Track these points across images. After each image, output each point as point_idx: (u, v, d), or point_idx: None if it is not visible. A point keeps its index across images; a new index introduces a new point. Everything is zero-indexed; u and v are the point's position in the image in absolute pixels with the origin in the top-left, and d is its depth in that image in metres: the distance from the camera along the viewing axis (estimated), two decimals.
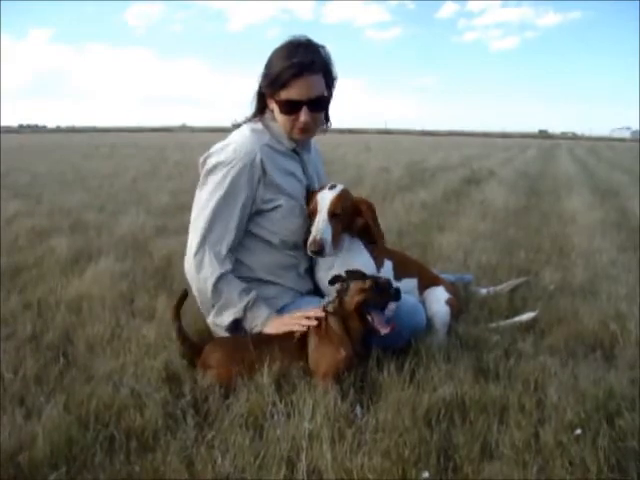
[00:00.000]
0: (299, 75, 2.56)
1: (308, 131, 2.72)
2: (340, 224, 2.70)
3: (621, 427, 2.06)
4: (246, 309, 2.58)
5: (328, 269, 2.78)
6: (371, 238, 2.82)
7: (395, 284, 2.53)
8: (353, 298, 2.43)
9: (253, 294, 2.61)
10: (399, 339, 2.64)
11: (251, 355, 2.40)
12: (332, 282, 2.53)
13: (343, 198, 2.71)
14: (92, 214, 6.65)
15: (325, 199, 2.68)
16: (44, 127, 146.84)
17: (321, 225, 2.64)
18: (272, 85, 2.63)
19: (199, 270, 2.58)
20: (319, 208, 2.67)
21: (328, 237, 2.63)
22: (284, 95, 2.61)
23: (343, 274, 2.50)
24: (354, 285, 2.45)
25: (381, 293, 2.44)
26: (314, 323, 2.46)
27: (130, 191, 9.14)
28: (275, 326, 2.54)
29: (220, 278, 2.57)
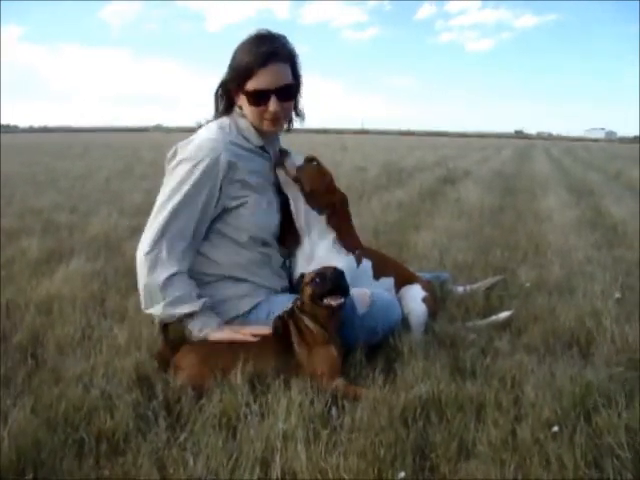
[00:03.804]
0: (265, 64, 2.56)
1: (278, 121, 2.70)
2: (310, 171, 2.77)
3: (598, 424, 2.05)
4: (203, 308, 2.53)
5: (307, 260, 2.79)
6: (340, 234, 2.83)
7: (340, 268, 2.52)
8: (304, 294, 2.48)
9: (208, 299, 2.57)
10: (374, 336, 2.63)
11: (227, 358, 2.37)
12: (297, 284, 2.55)
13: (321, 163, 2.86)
14: (64, 215, 6.56)
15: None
16: (16, 127, 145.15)
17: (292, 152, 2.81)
18: (239, 77, 2.61)
19: (153, 266, 2.49)
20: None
21: (297, 157, 2.78)
22: (251, 86, 2.59)
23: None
24: (303, 284, 2.49)
25: (322, 282, 2.43)
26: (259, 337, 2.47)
27: (103, 191, 9.06)
28: (225, 334, 2.50)
29: (176, 275, 2.50)
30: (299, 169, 2.74)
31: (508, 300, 3.55)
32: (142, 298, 2.57)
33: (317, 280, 2.45)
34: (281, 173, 2.74)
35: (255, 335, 2.47)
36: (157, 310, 2.52)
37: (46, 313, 3.19)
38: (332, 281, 2.43)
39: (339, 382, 2.31)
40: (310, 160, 2.81)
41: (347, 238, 2.83)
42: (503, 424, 2.05)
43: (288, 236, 2.81)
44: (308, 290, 2.47)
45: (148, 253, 2.51)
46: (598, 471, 1.85)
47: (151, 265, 2.50)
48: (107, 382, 2.33)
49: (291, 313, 2.53)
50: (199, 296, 2.54)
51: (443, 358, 2.59)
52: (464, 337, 2.88)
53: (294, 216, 2.80)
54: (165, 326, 2.56)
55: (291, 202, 2.78)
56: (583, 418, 2.07)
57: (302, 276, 2.55)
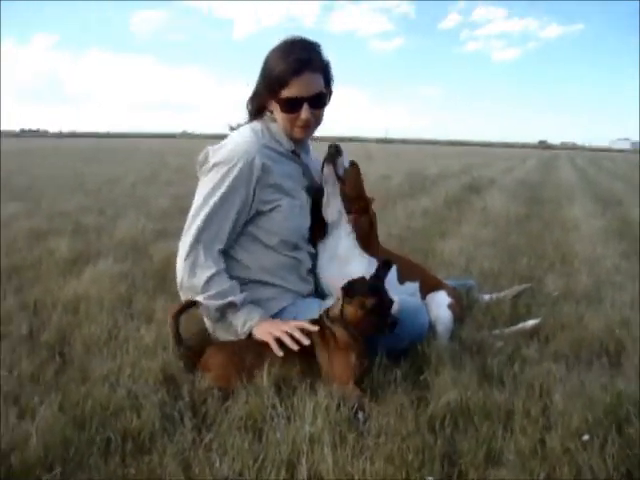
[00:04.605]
0: (299, 73, 2.55)
1: (308, 129, 2.70)
2: (352, 173, 2.81)
3: (630, 434, 2.00)
4: (245, 301, 2.55)
5: (330, 259, 2.80)
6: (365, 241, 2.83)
7: (395, 314, 2.45)
8: (353, 313, 2.38)
9: (249, 294, 2.59)
10: (401, 342, 2.60)
11: (252, 359, 2.37)
12: (345, 288, 2.42)
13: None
14: (91, 217, 6.62)
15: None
16: (45, 132, 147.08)
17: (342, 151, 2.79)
18: (272, 85, 2.61)
19: (192, 270, 2.53)
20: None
21: (346, 156, 2.79)
22: (285, 94, 2.59)
23: (352, 279, 2.43)
24: (357, 300, 2.37)
25: (379, 317, 2.37)
26: (306, 342, 2.40)
27: (130, 196, 9.13)
28: (266, 329, 2.48)
29: (216, 274, 2.52)
30: (346, 170, 2.78)
31: (535, 308, 3.50)
32: (182, 297, 2.61)
33: (375, 310, 2.36)
34: (329, 168, 2.75)
35: (301, 329, 2.44)
36: (201, 298, 2.53)
37: (73, 313, 3.20)
38: (387, 322, 2.38)
39: (349, 389, 2.27)
40: (354, 164, 2.83)
41: (369, 246, 2.84)
42: (532, 433, 2.02)
43: (316, 231, 2.82)
44: (360, 313, 2.36)
45: (186, 258, 2.54)
46: None
47: (191, 269, 2.53)
48: (133, 382, 2.33)
49: (318, 319, 2.50)
50: (241, 292, 2.56)
51: (470, 365, 2.55)
52: (491, 344, 2.84)
53: (324, 211, 2.81)
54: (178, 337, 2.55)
55: (325, 197, 2.80)
56: (615, 428, 2.02)
57: (351, 284, 2.40)
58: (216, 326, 2.66)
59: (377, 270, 2.47)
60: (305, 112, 2.61)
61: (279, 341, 2.42)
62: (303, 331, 2.43)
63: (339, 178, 2.76)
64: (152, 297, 3.46)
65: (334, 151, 2.75)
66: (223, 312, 2.55)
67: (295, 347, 2.38)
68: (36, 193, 8.62)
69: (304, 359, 2.39)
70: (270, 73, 2.62)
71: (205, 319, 2.71)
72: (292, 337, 2.41)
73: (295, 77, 2.56)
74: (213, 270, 2.52)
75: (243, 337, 2.55)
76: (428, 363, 2.55)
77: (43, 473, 1.78)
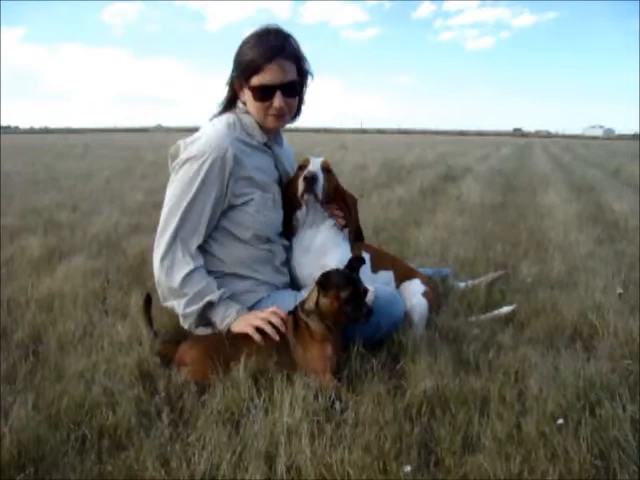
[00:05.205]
0: (271, 59, 2.55)
1: (281, 117, 2.69)
2: (329, 183, 2.75)
3: (602, 416, 2.03)
4: (221, 298, 2.54)
5: (305, 252, 2.79)
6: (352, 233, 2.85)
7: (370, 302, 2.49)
8: (329, 305, 2.38)
9: (228, 289, 2.58)
10: (377, 330, 2.62)
11: (228, 351, 2.37)
12: (320, 281, 2.42)
13: (331, 166, 2.82)
14: (65, 214, 6.54)
15: (317, 158, 2.79)
16: (16, 128, 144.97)
17: (314, 166, 2.72)
18: (244, 72, 2.61)
19: (170, 268, 2.52)
20: (311, 162, 2.75)
21: (321, 177, 2.69)
22: (256, 81, 2.59)
23: (329, 269, 2.44)
24: (332, 292, 2.37)
25: (355, 307, 2.37)
26: (281, 328, 2.42)
27: (104, 191, 9.02)
28: (245, 321, 2.49)
29: (194, 271, 2.52)
30: (323, 185, 2.72)
31: (510, 295, 3.54)
32: (161, 297, 2.61)
33: (350, 301, 2.36)
34: (310, 197, 2.70)
35: (275, 314, 2.45)
36: (179, 307, 2.54)
37: (47, 310, 3.17)
38: (362, 311, 2.38)
39: (326, 379, 2.27)
40: (329, 170, 2.80)
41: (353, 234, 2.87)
42: (507, 418, 2.04)
43: (287, 226, 2.81)
44: (335, 305, 2.36)
45: (164, 257, 2.53)
46: (604, 463, 1.83)
47: (168, 268, 2.53)
48: (109, 379, 2.32)
49: (293, 311, 2.50)
50: (218, 287, 2.55)
51: (446, 353, 2.57)
52: (467, 332, 2.87)
53: (299, 214, 2.80)
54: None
55: (304, 209, 2.78)
56: (588, 411, 2.06)
57: (325, 276, 2.41)
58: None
59: (350, 261, 2.47)
60: (278, 100, 2.60)
61: (259, 330, 2.42)
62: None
63: (321, 201, 2.74)
64: (127, 293, 3.44)
65: (310, 182, 2.66)
66: (202, 314, 2.55)
67: (276, 337, 2.40)
68: (7, 190, 8.48)
69: (280, 351, 2.39)
70: (242, 59, 2.62)
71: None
72: (272, 325, 2.43)
73: (267, 63, 2.55)
74: (191, 266, 2.51)
75: (223, 331, 2.54)
76: (404, 352, 2.57)
77: (16, 473, 1.76)
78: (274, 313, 2.46)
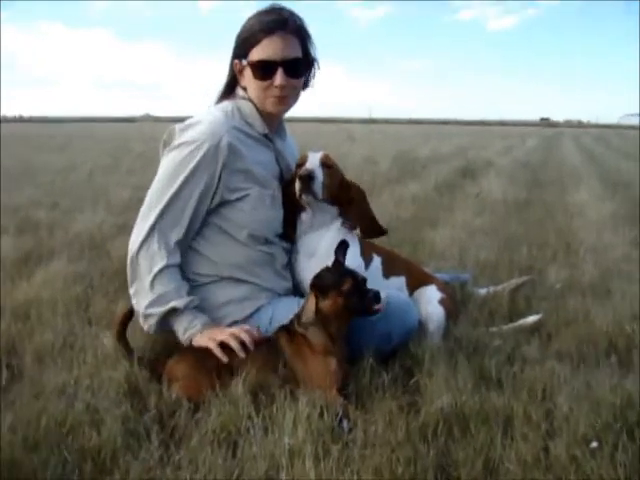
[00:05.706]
0: (272, 31, 2.58)
1: (284, 100, 2.69)
2: (330, 179, 2.72)
3: None
4: (187, 307, 2.52)
5: (310, 257, 2.79)
6: (365, 229, 2.88)
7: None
8: (333, 305, 2.39)
9: (197, 298, 2.57)
10: (389, 341, 2.63)
11: (221, 364, 2.38)
12: (312, 285, 2.47)
13: (333, 160, 2.79)
14: (43, 212, 6.54)
15: (315, 154, 2.76)
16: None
17: (310, 164, 2.69)
18: (243, 46, 2.64)
19: (144, 262, 2.52)
20: (309, 159, 2.72)
21: (319, 175, 2.66)
22: (256, 55, 2.60)
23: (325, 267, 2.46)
24: (332, 291, 2.38)
25: (360, 296, 2.38)
26: (250, 346, 2.42)
27: (87, 186, 9.04)
28: (209, 335, 2.48)
29: (166, 269, 2.51)
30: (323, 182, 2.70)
31: (536, 303, 3.54)
32: (132, 299, 2.59)
33: (354, 292, 2.37)
34: (309, 197, 2.69)
35: (247, 332, 2.45)
36: (141, 304, 2.53)
37: (23, 319, 3.17)
38: (369, 298, 2.39)
39: (331, 396, 2.28)
40: (329, 166, 2.77)
41: (369, 230, 2.91)
42: (534, 439, 2.04)
43: (289, 229, 2.81)
44: (339, 302, 2.37)
45: (140, 248, 2.53)
46: None
47: (142, 261, 2.53)
48: (92, 395, 2.32)
49: (289, 325, 2.50)
50: (188, 294, 2.54)
51: (466, 366, 2.57)
52: (488, 343, 2.87)
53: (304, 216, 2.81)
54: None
55: (310, 211, 2.79)
56: (625, 434, 2.05)
57: (319, 277, 2.45)
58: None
59: (336, 254, 2.49)
60: (280, 77, 2.60)
61: (223, 345, 2.42)
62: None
63: (322, 199, 2.72)
64: (112, 300, 3.44)
65: (307, 180, 2.64)
66: (164, 320, 2.54)
67: (242, 353, 2.39)
68: None
69: (277, 364, 2.39)
70: (242, 35, 2.65)
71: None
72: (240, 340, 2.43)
73: (268, 36, 2.57)
74: (164, 262, 2.51)
75: (184, 344, 2.54)
76: (419, 365, 2.57)
77: None
78: (246, 331, 2.46)
